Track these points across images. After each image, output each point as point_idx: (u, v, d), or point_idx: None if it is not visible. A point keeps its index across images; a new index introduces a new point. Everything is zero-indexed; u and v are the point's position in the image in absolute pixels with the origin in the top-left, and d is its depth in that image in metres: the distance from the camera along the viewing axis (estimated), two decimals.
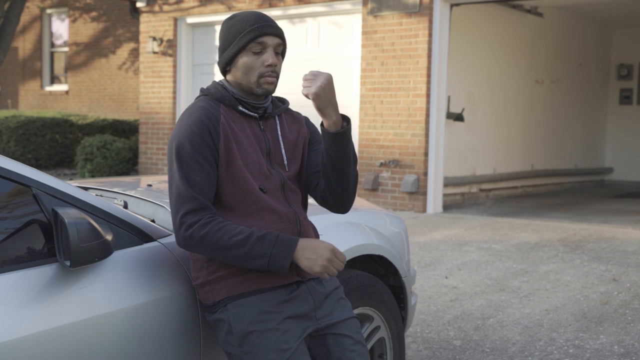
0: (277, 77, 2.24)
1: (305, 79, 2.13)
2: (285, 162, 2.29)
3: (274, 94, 2.36)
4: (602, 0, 10.23)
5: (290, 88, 9.59)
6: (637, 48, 13.50)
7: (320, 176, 2.30)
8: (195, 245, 2.10)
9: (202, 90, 2.30)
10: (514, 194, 11.17)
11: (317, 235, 2.41)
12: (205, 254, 2.13)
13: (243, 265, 2.11)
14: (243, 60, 2.21)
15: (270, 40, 2.21)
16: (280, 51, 2.26)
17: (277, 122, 2.33)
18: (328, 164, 2.23)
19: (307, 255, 2.09)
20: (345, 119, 2.20)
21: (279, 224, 2.22)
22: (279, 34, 2.23)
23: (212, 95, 2.26)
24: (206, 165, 2.14)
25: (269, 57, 2.20)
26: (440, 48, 8.65)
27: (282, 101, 2.39)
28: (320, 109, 2.14)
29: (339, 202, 2.32)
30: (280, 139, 2.30)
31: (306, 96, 2.13)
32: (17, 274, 1.91)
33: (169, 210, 2.55)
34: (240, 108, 2.24)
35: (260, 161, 2.23)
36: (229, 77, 2.28)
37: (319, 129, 2.24)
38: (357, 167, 9.70)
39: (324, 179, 2.27)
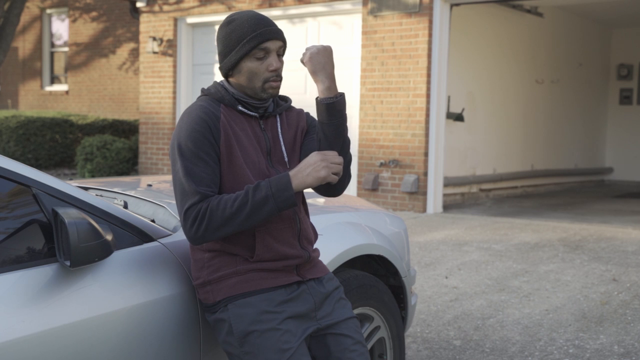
0: (281, 80, 2.25)
1: (306, 49, 2.22)
2: (286, 159, 2.29)
3: None
4: (602, 0, 10.23)
5: (290, 87, 9.61)
6: (637, 48, 13.51)
7: None
8: (205, 231, 2.09)
9: (202, 90, 2.31)
10: (514, 194, 11.18)
11: (316, 236, 2.41)
12: (219, 235, 2.11)
13: (256, 220, 2.11)
14: (247, 66, 2.21)
15: (273, 45, 2.21)
16: (282, 52, 2.27)
17: (278, 120, 2.33)
18: (322, 140, 2.22)
19: (306, 173, 2.12)
20: (340, 93, 2.22)
21: (278, 223, 2.22)
22: (281, 37, 2.23)
23: (212, 95, 2.26)
24: (209, 160, 2.14)
25: (273, 62, 2.21)
26: (440, 48, 8.65)
27: (285, 99, 2.39)
28: (313, 73, 2.19)
29: (330, 185, 2.28)
30: (281, 137, 2.30)
31: (302, 62, 2.20)
32: (17, 274, 1.91)
33: (169, 210, 2.56)
34: (240, 108, 2.25)
35: (259, 160, 2.23)
36: (231, 79, 2.28)
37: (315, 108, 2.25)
38: (357, 167, 9.68)
39: None
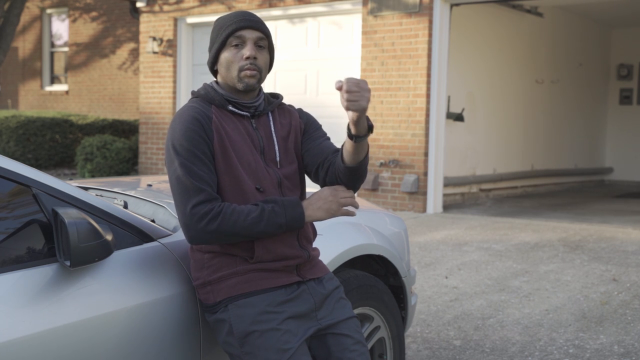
0: (260, 71, 2.23)
1: (350, 92, 1.96)
2: (278, 158, 2.29)
3: (266, 91, 2.37)
4: (602, 0, 10.23)
5: (290, 87, 9.61)
6: (637, 48, 13.50)
7: (322, 164, 2.27)
8: (211, 234, 2.10)
9: (192, 93, 2.31)
10: (514, 194, 11.17)
11: (315, 234, 2.41)
12: (222, 240, 2.13)
13: (262, 237, 2.16)
14: (224, 55, 2.24)
15: (249, 34, 2.22)
16: (265, 46, 2.26)
17: (270, 118, 2.32)
18: (349, 168, 2.18)
19: (317, 206, 2.17)
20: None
21: None
22: (258, 27, 2.23)
23: (203, 97, 2.27)
24: (205, 159, 2.15)
25: (247, 50, 2.21)
26: (440, 48, 8.65)
27: (275, 96, 2.39)
28: (358, 119, 2.04)
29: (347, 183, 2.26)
30: (274, 135, 2.30)
31: (348, 109, 1.99)
32: (17, 274, 1.91)
33: (169, 210, 2.56)
34: (231, 108, 2.25)
35: (255, 159, 2.23)
36: (218, 77, 2.30)
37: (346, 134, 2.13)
38: None
39: (339, 178, 2.23)
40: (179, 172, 2.12)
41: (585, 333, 4.26)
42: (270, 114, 2.33)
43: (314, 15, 9.77)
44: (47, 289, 1.94)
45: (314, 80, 9.62)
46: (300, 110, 2.43)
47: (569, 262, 5.99)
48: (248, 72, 2.21)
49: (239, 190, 2.18)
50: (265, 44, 2.26)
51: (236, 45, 2.22)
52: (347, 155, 2.16)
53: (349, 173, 2.20)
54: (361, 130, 2.08)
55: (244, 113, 2.27)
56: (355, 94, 1.98)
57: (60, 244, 1.95)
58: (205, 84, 2.31)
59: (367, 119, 2.10)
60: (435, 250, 6.48)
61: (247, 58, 2.20)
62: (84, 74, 15.54)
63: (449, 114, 9.35)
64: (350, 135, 2.10)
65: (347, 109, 2.00)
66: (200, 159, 2.13)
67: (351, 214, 2.21)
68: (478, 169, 10.32)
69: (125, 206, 2.49)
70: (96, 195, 2.49)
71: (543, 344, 4.09)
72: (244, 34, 2.21)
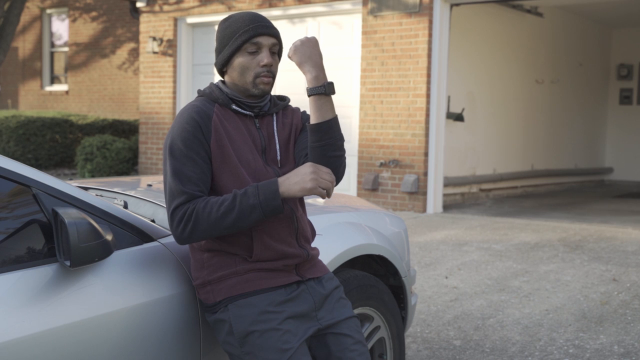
0: (273, 77, 2.25)
1: (292, 43, 2.23)
2: (279, 158, 2.29)
3: (272, 93, 2.37)
4: (602, 0, 10.23)
5: (290, 88, 9.61)
6: (637, 48, 13.51)
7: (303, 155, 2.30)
8: (191, 233, 2.10)
9: (198, 92, 2.32)
10: (514, 194, 11.17)
11: (314, 234, 2.41)
12: (205, 237, 2.13)
13: (242, 227, 2.11)
14: (239, 60, 2.23)
15: (266, 41, 2.22)
16: (277, 51, 2.28)
17: (275, 119, 2.33)
18: (310, 127, 2.21)
19: (293, 181, 2.10)
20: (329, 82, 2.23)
21: (275, 222, 2.22)
22: (274, 34, 2.25)
23: (207, 96, 2.28)
24: (199, 160, 2.15)
25: (264, 57, 2.21)
26: (440, 48, 8.65)
27: (282, 99, 2.40)
28: (299, 64, 2.20)
29: None
30: (276, 135, 2.31)
31: (290, 57, 2.21)
32: (17, 274, 1.91)
33: None
34: (234, 107, 2.25)
35: (255, 158, 2.24)
36: (226, 78, 2.30)
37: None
38: (357, 167, 9.65)
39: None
40: (168, 174, 2.15)
41: (585, 333, 4.26)
42: (275, 115, 2.34)
43: (314, 15, 9.77)
44: (47, 289, 1.94)
45: None
46: (304, 112, 2.44)
47: (569, 262, 5.99)
48: (265, 79, 2.22)
49: (239, 188, 2.18)
50: (277, 49, 2.27)
51: (252, 52, 2.22)
52: (310, 114, 2.23)
53: (311, 135, 2.19)
54: (312, 80, 2.19)
55: (247, 112, 2.27)
56: (293, 44, 2.22)
57: (60, 244, 1.95)
58: (211, 84, 2.32)
59: (331, 85, 2.21)
60: (435, 250, 6.48)
61: (264, 65, 2.21)
62: (84, 74, 15.55)
63: (449, 114, 9.35)
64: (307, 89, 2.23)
65: (288, 56, 2.24)
66: (191, 159, 2.14)
67: (323, 195, 2.12)
68: (478, 169, 10.32)
69: (125, 206, 2.49)
70: (96, 195, 2.49)
71: (543, 344, 4.09)
72: (261, 41, 2.22)
